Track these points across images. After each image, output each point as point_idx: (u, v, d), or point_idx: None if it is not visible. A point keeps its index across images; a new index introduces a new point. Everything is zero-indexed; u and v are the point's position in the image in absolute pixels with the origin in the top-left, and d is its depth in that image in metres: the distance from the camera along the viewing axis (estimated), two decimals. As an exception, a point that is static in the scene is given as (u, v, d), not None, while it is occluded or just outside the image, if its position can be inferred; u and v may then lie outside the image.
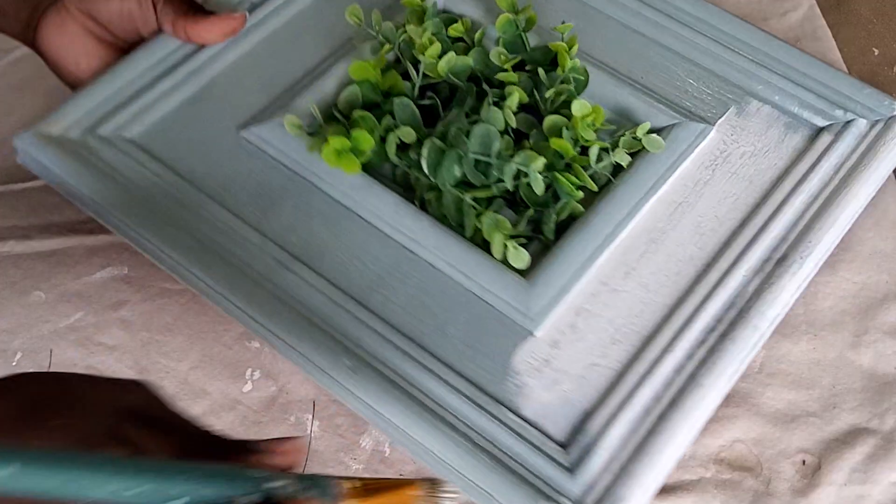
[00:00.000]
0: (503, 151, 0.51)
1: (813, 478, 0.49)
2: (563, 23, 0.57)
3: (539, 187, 0.50)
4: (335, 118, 0.54)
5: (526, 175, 0.51)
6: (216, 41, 0.57)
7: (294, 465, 0.34)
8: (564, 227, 0.53)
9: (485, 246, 0.51)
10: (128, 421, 0.31)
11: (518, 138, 0.55)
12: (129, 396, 0.32)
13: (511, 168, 0.50)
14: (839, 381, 0.52)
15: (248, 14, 0.58)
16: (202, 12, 0.56)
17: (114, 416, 0.31)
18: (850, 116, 0.57)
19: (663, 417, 0.45)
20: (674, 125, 0.56)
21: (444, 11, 0.61)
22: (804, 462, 0.49)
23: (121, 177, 0.52)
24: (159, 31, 0.56)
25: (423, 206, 0.53)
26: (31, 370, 0.53)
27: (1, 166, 0.63)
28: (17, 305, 0.56)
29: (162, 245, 0.50)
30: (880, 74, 0.63)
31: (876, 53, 0.64)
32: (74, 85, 0.56)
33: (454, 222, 0.52)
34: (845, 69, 0.63)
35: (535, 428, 0.46)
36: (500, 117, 0.52)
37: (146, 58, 0.56)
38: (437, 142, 0.51)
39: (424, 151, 0.50)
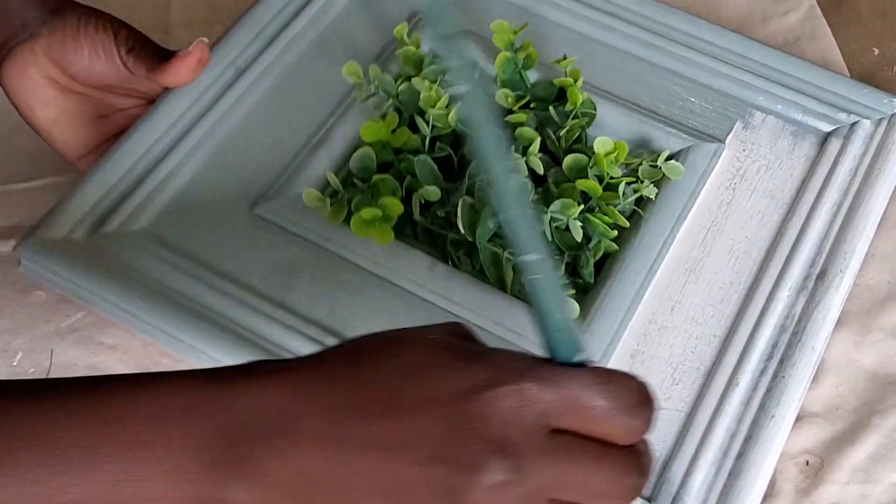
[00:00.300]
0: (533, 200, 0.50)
1: (816, 477, 0.49)
2: (565, 57, 0.56)
3: (578, 234, 0.49)
4: (351, 183, 0.52)
5: (557, 219, 0.50)
6: (190, 80, 0.54)
7: None
8: (598, 266, 0.52)
9: (524, 298, 0.50)
10: None
11: (534, 177, 0.54)
12: (459, 329, 0.33)
13: (547, 217, 0.49)
14: (842, 380, 0.52)
15: (206, 40, 0.54)
16: (166, 57, 0.53)
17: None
18: (853, 119, 0.57)
19: (742, 456, 0.45)
20: (688, 148, 0.56)
21: (436, 54, 0.60)
22: (808, 462, 0.49)
23: (137, 274, 0.49)
24: (142, 100, 0.55)
25: (452, 264, 0.51)
26: (32, 370, 0.52)
27: (1, 166, 0.60)
28: (17, 305, 0.54)
29: (195, 342, 0.47)
30: (880, 74, 0.63)
31: (876, 53, 0.64)
32: (31, 126, 0.54)
33: (492, 279, 0.50)
34: (845, 69, 0.63)
35: (618, 485, 0.44)
36: (523, 166, 0.51)
37: (140, 143, 0.53)
38: (470, 199, 0.49)
39: (459, 211, 0.48)
